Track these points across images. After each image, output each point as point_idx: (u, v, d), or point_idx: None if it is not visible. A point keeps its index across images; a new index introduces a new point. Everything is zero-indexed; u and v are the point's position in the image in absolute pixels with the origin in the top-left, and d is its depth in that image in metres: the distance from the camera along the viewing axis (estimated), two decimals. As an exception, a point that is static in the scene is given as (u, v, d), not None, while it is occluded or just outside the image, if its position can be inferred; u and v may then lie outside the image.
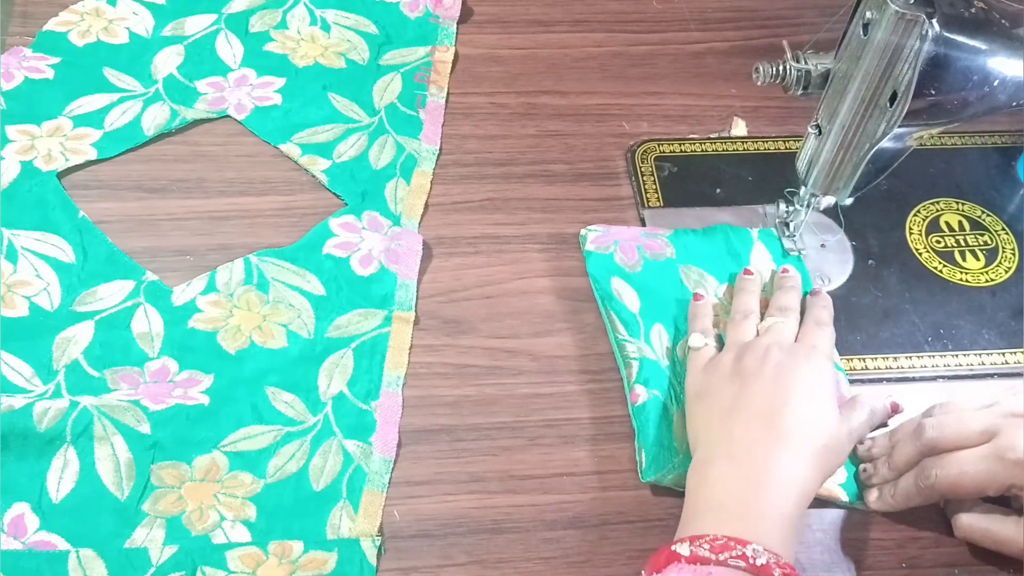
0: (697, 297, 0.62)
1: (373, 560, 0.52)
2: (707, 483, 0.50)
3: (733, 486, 0.49)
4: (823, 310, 0.60)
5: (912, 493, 0.53)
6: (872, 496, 0.55)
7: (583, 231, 0.66)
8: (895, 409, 0.57)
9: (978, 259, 0.67)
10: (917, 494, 0.53)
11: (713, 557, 0.45)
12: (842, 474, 0.56)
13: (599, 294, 0.63)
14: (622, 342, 0.60)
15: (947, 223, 0.69)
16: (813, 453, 0.51)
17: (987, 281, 0.66)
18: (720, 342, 0.59)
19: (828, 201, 0.62)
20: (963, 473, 0.51)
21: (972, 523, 0.53)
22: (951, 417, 0.53)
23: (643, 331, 0.60)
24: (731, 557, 0.45)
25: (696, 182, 0.70)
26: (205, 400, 0.57)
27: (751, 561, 0.45)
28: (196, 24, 0.76)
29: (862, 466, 0.56)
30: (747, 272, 0.63)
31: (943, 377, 0.61)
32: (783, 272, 0.63)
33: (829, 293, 0.64)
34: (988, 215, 0.69)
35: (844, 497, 0.55)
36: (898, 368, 0.61)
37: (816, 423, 0.52)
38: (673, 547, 0.47)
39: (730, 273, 0.64)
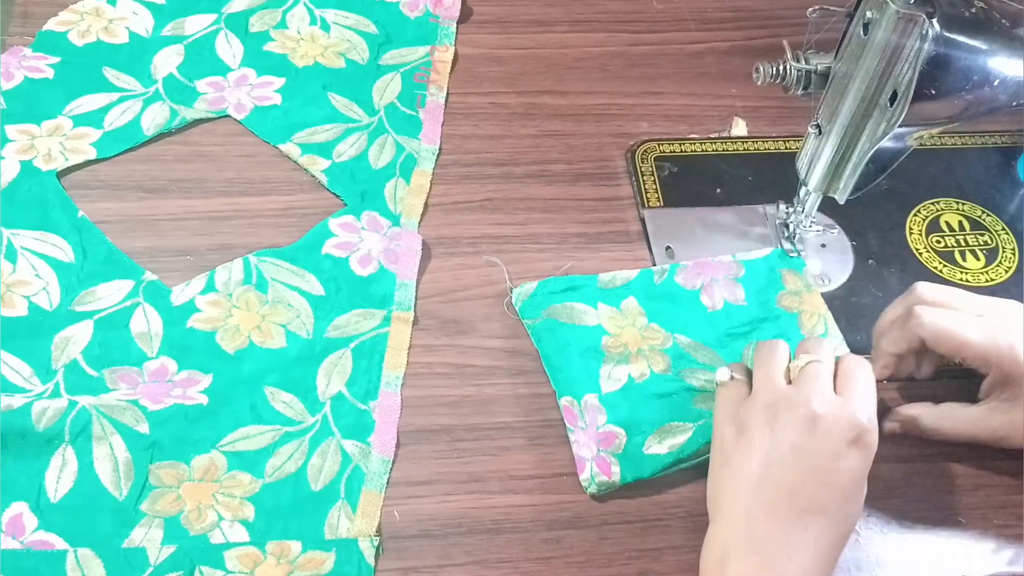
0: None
1: (371, 560, 0.52)
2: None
3: None
4: (861, 363, 0.53)
5: (895, 339, 0.55)
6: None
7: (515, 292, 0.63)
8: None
9: (978, 259, 0.67)
10: (900, 340, 0.55)
11: None
12: None
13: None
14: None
15: (947, 223, 0.69)
16: (839, 543, 0.49)
17: (987, 281, 0.66)
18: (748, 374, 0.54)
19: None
20: (949, 324, 0.53)
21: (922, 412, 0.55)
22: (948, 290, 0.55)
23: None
24: None
25: (696, 182, 0.70)
26: (204, 400, 0.57)
27: None
28: (196, 24, 0.76)
29: None
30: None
31: (944, 376, 0.61)
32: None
33: (829, 293, 0.64)
34: (988, 215, 0.69)
35: None
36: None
37: (849, 515, 0.49)
38: None
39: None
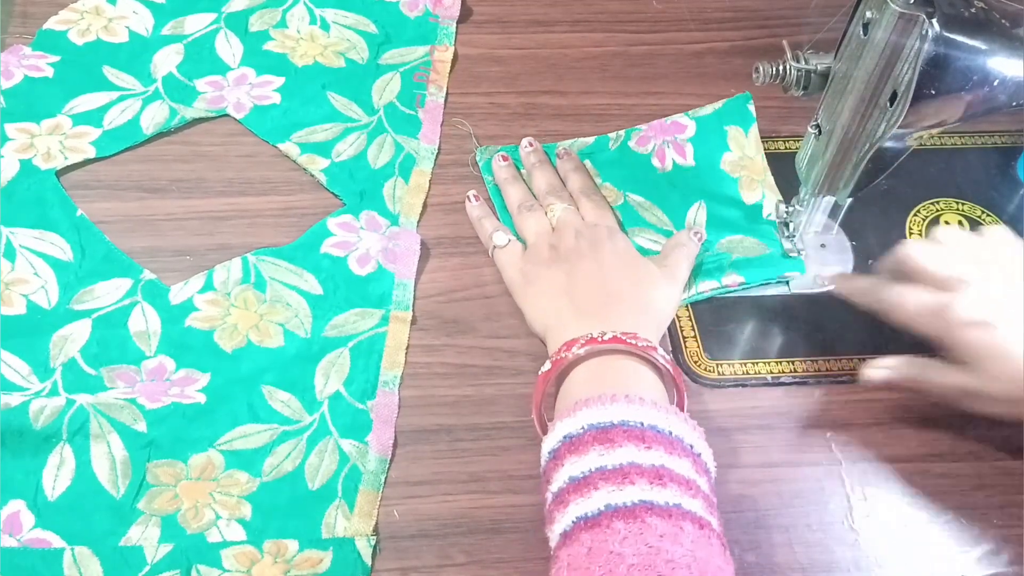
0: (471, 200, 0.67)
1: (368, 559, 0.52)
2: (566, 335, 0.55)
3: (589, 324, 0.55)
4: (576, 173, 0.67)
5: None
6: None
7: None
8: (700, 237, 0.64)
9: (978, 260, 0.67)
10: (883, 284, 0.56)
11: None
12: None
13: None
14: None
15: (947, 223, 0.69)
16: (645, 308, 0.58)
17: (987, 282, 0.66)
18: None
19: (827, 202, 0.62)
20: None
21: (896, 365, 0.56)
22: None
23: None
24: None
25: (696, 182, 0.70)
26: (201, 399, 0.57)
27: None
28: (196, 23, 0.76)
29: None
30: (524, 146, 0.69)
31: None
32: (528, 147, 0.69)
33: (829, 293, 0.64)
34: (988, 215, 0.69)
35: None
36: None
37: (644, 282, 0.59)
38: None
39: None
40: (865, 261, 0.66)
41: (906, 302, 0.55)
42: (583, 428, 0.48)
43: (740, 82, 0.76)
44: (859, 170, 0.57)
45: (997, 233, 0.57)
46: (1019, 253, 0.55)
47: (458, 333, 0.62)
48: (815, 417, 0.59)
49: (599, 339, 0.53)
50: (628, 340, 0.53)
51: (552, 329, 0.58)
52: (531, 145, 0.69)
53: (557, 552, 0.46)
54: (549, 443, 0.50)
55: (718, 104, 0.70)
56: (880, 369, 0.57)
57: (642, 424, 0.48)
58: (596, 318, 0.56)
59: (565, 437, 0.49)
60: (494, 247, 0.63)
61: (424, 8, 0.79)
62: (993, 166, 0.72)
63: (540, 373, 0.54)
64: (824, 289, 0.64)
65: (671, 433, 0.48)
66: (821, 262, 0.66)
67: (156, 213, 0.66)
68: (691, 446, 0.49)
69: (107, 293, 0.61)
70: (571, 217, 0.63)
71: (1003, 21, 0.53)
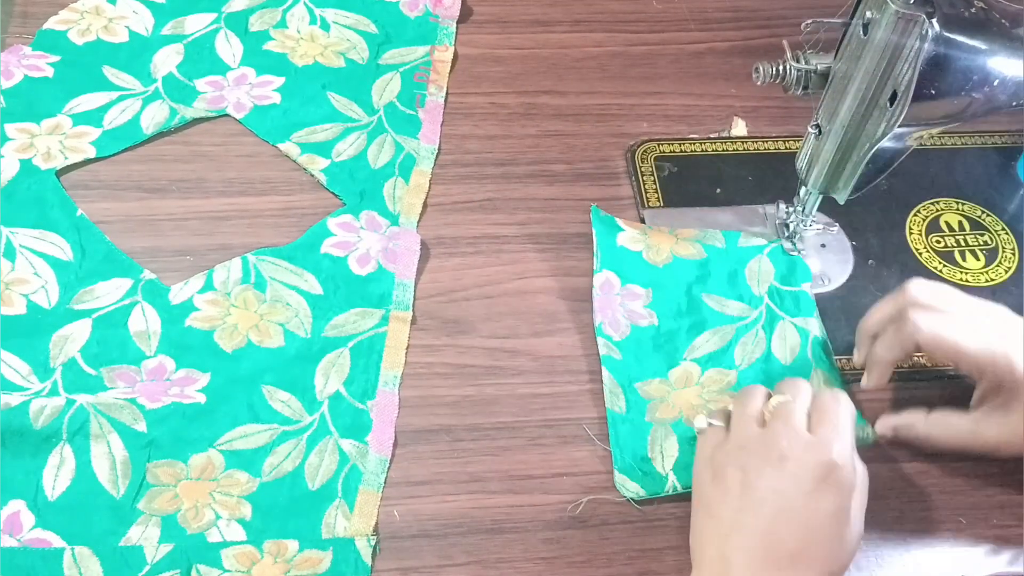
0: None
1: (368, 559, 0.52)
2: None
3: None
4: (837, 398, 0.52)
5: (888, 347, 0.54)
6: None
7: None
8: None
9: (978, 259, 0.67)
10: (894, 346, 0.54)
11: None
12: None
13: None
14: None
15: (947, 223, 0.69)
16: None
17: (987, 281, 0.66)
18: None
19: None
20: (946, 327, 0.52)
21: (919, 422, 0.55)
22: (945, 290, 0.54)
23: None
24: None
25: (696, 182, 0.70)
26: (201, 399, 0.57)
27: None
28: (196, 23, 0.76)
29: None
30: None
31: (945, 376, 0.61)
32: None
33: (829, 293, 0.64)
34: (988, 215, 0.69)
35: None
36: (899, 368, 0.61)
37: (836, 556, 0.47)
38: None
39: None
40: (865, 261, 0.66)
41: (949, 321, 0.52)
42: None
43: (740, 82, 0.76)
44: (859, 170, 0.57)
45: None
46: None
47: (458, 333, 0.62)
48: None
49: None
50: None
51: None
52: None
53: None
54: None
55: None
56: (887, 427, 0.56)
57: None
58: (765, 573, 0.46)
59: None
60: (696, 431, 0.54)
61: (424, 8, 0.79)
62: (993, 166, 0.72)
63: None
64: (824, 289, 0.64)
65: None
66: (821, 262, 0.66)
67: (156, 213, 0.66)
68: None
69: (107, 293, 0.61)
70: (787, 413, 0.50)
71: (1003, 21, 0.53)
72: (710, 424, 0.53)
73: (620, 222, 0.66)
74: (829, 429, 0.49)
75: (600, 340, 0.61)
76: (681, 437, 0.57)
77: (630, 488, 0.55)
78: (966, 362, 0.53)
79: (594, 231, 0.65)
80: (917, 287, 0.55)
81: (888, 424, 0.56)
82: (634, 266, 0.64)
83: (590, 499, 0.55)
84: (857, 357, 0.59)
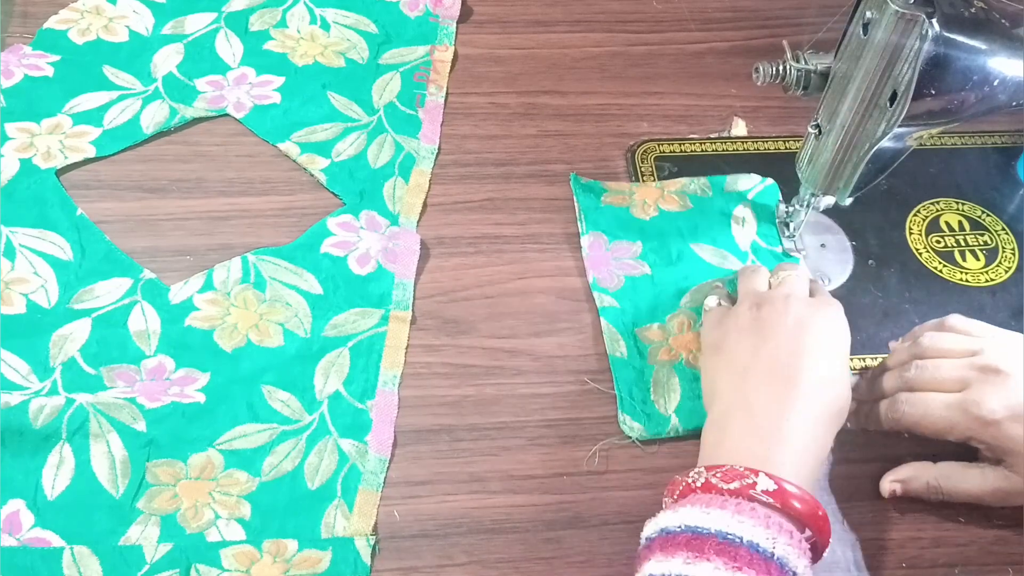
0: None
1: (367, 559, 0.52)
2: (725, 440, 0.50)
3: (753, 443, 0.49)
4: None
5: (881, 421, 0.55)
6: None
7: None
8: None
9: (978, 259, 0.67)
10: (884, 423, 0.55)
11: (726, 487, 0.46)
12: None
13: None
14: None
15: (947, 223, 0.69)
16: (829, 416, 0.51)
17: (987, 281, 0.66)
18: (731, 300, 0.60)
19: (828, 201, 0.62)
20: (927, 415, 0.53)
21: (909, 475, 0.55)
22: (932, 363, 0.54)
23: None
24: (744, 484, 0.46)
25: (696, 182, 0.70)
26: (201, 398, 0.57)
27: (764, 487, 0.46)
28: (196, 22, 0.76)
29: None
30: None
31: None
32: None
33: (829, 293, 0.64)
34: (988, 215, 0.69)
35: None
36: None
37: (834, 384, 0.52)
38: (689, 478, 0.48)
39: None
40: (865, 261, 0.66)
41: (931, 410, 0.53)
42: (680, 527, 0.44)
43: (740, 82, 0.76)
44: (859, 170, 0.57)
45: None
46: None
47: (458, 333, 0.62)
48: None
49: (752, 485, 0.46)
50: (786, 489, 0.46)
51: (713, 427, 0.52)
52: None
53: None
54: (648, 528, 0.46)
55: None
56: (895, 483, 0.55)
57: (740, 540, 0.43)
58: (766, 421, 0.49)
59: (662, 531, 0.45)
60: (704, 308, 0.60)
61: (424, 8, 0.79)
62: (993, 166, 0.72)
63: (680, 480, 0.48)
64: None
65: (772, 555, 0.43)
66: (821, 262, 0.66)
67: (156, 213, 0.66)
68: (793, 573, 0.43)
69: (107, 292, 0.61)
70: (792, 283, 0.57)
71: (1003, 21, 0.53)
72: (719, 303, 0.59)
73: (604, 184, 0.68)
74: (827, 296, 0.57)
75: (596, 294, 0.63)
76: (683, 378, 0.59)
77: (634, 428, 0.57)
78: (954, 437, 0.53)
79: (575, 197, 0.67)
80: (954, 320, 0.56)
81: (895, 480, 0.56)
82: (621, 223, 0.66)
83: (607, 442, 0.57)
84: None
